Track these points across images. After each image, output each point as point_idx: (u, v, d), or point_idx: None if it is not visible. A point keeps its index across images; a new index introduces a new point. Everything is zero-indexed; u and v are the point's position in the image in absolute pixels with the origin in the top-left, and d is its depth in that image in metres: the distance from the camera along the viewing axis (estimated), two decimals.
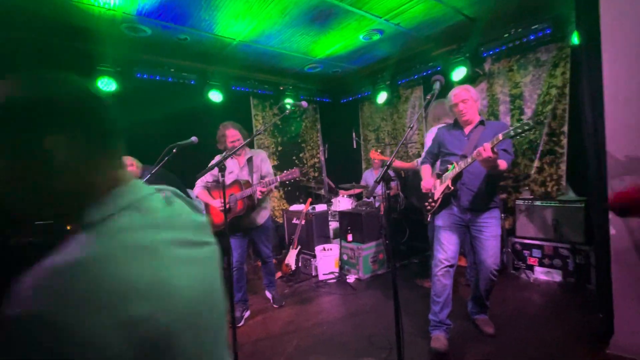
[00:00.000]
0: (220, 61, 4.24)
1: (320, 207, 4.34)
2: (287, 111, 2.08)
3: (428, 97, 1.73)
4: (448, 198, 2.28)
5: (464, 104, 2.20)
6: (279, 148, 5.51)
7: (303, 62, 4.55)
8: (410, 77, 4.72)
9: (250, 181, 2.80)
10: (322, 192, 5.00)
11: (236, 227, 2.82)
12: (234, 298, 2.86)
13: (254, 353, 2.37)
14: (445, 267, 2.25)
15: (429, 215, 2.39)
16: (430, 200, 2.35)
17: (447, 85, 2.10)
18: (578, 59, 3.00)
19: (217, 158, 2.79)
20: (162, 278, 0.48)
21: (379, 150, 3.45)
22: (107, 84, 3.58)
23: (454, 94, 2.24)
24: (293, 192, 5.58)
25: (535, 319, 2.56)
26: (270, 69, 4.72)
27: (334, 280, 3.72)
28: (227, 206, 2.55)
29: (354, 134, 5.07)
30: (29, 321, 0.38)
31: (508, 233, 3.58)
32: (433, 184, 2.37)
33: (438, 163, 2.46)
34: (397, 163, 3.53)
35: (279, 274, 3.89)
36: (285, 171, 2.57)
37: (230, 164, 2.89)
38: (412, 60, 4.56)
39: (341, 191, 4.85)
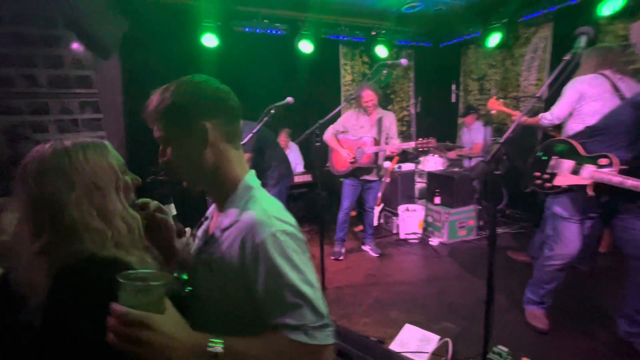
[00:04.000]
0: (312, 7, 4.06)
1: (407, 166, 4.16)
2: (385, 71, 1.92)
3: (566, 57, 1.34)
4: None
5: None
6: None
7: (401, 0, 4.04)
8: (538, 12, 3.80)
9: (378, 140, 3.01)
10: (410, 149, 4.74)
11: (355, 176, 3.15)
12: (336, 236, 3.37)
13: (338, 299, 2.61)
14: (568, 263, 1.98)
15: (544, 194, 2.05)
16: (544, 177, 1.96)
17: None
18: None
19: (344, 106, 3.05)
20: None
21: (500, 100, 2.83)
22: (209, 40, 3.80)
23: None
24: None
25: None
26: (363, 11, 4.33)
27: (416, 241, 3.69)
28: (354, 158, 3.01)
29: (453, 86, 4.49)
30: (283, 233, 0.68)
31: None
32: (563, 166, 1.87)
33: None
34: (522, 118, 2.98)
35: (359, 228, 4.02)
36: (420, 139, 2.69)
37: (363, 120, 3.07)
38: None
39: (453, 153, 4.38)
